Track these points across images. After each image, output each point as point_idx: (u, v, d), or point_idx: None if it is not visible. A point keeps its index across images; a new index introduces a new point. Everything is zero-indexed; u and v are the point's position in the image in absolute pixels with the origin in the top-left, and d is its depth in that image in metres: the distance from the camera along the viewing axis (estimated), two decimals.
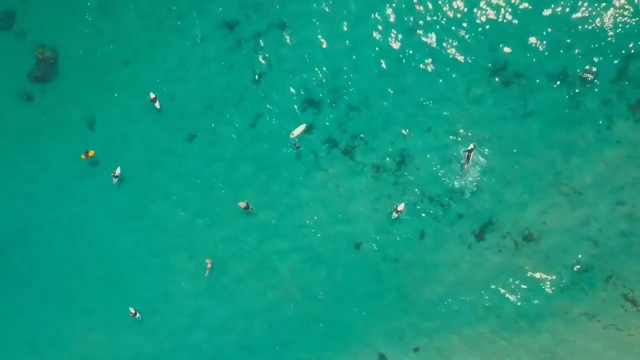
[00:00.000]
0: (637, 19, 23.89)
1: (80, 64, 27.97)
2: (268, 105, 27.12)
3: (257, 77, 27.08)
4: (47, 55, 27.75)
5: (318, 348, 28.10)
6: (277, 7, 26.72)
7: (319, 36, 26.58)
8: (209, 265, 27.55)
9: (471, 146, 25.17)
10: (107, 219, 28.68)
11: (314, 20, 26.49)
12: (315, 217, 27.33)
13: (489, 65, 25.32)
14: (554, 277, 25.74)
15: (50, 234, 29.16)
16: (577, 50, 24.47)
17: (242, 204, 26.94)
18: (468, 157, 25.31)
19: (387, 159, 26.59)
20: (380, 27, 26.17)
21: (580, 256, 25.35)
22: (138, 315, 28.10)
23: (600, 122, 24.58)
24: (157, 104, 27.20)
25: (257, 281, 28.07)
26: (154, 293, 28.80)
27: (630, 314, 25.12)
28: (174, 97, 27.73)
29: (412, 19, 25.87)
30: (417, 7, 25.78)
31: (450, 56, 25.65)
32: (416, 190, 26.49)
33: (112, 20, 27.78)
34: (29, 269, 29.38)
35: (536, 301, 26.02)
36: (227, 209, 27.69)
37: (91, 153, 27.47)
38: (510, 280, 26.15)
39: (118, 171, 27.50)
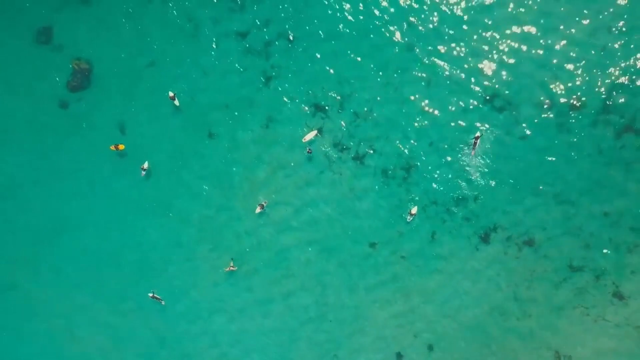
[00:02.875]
0: (620, 53, 25.67)
1: (112, 74, 29.43)
2: (279, 109, 28.62)
3: (267, 82, 28.54)
4: (82, 66, 29.20)
5: (336, 341, 29.44)
6: (285, 20, 28.28)
7: (325, 48, 28.17)
8: (231, 268, 29.12)
9: (478, 134, 26.80)
10: (137, 214, 30.01)
11: (319, 33, 28.09)
12: (329, 214, 28.78)
13: (483, 89, 26.98)
14: (551, 277, 27.43)
15: (83, 228, 30.50)
16: (564, 82, 26.31)
17: (258, 208, 28.63)
18: (475, 144, 26.94)
19: (394, 163, 28.04)
20: (382, 42, 27.75)
21: (573, 257, 27.10)
22: (162, 302, 29.75)
23: (589, 146, 26.35)
24: (176, 102, 28.93)
25: (274, 271, 29.36)
26: (179, 281, 30.09)
27: (617, 307, 26.99)
28: (194, 99, 29.30)
29: (412, 36, 27.45)
30: (418, 26, 27.38)
31: (448, 74, 27.16)
32: (421, 193, 28.04)
33: (139, 34, 29.33)
34: (65, 259, 30.74)
35: (533, 298, 27.68)
36: (246, 205, 29.16)
37: (121, 147, 29.12)
38: (510, 279, 27.77)
39: (146, 165, 29.19)
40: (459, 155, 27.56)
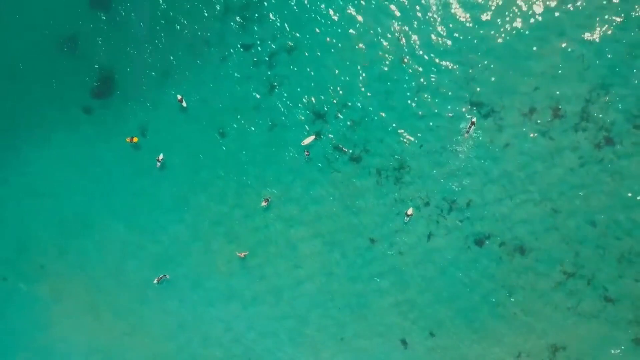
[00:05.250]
0: (598, 61, 26.21)
1: (132, 82, 31.24)
2: (282, 114, 30.04)
3: (271, 90, 29.99)
4: (105, 75, 30.95)
5: (342, 326, 30.78)
6: (286, 35, 29.66)
7: (323, 60, 29.44)
8: (242, 255, 31.02)
9: (474, 119, 27.77)
10: (157, 211, 32.04)
11: (318, 46, 29.44)
12: (331, 211, 30.15)
13: (469, 97, 27.86)
14: (544, 279, 28.39)
15: (108, 222, 32.65)
16: (546, 90, 26.93)
17: (264, 202, 30.29)
18: (469, 128, 27.87)
19: (388, 164, 29.16)
20: (375, 55, 28.86)
21: (565, 264, 27.90)
22: (167, 276, 31.88)
23: (573, 153, 26.96)
24: (183, 103, 30.75)
25: (283, 262, 30.90)
26: (197, 271, 31.99)
27: (608, 307, 27.82)
28: (205, 105, 30.97)
29: (403, 48, 28.44)
30: (408, 39, 28.32)
31: (435, 83, 28.11)
32: (415, 194, 29.06)
33: (156, 47, 31.06)
34: (90, 250, 33.01)
35: (529, 293, 28.60)
36: (256, 202, 30.76)
37: (135, 139, 31.05)
38: (510, 280, 28.67)
39: (161, 157, 31.10)
40: (451, 149, 28.44)
